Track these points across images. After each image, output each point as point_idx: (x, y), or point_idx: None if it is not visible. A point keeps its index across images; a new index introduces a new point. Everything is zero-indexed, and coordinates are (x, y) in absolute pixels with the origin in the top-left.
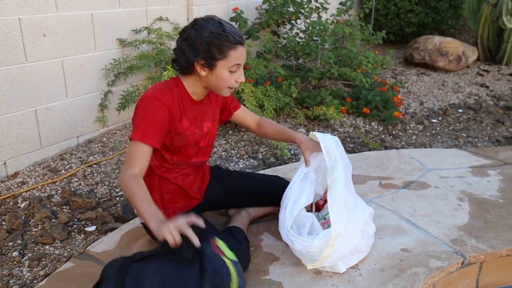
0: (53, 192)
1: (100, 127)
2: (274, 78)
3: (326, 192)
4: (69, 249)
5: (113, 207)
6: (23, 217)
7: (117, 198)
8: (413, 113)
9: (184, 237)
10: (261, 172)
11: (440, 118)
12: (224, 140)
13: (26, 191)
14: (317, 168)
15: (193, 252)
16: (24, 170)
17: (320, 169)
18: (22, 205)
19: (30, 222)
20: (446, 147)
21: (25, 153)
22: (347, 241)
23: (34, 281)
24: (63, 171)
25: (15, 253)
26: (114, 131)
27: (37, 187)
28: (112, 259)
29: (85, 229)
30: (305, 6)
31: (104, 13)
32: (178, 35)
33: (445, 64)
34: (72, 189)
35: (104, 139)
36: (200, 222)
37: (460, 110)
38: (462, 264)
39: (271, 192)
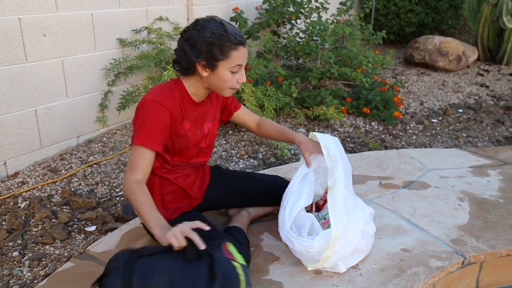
0: (53, 192)
1: (100, 127)
2: (274, 78)
3: (326, 192)
4: (69, 249)
5: (113, 207)
6: (23, 217)
7: (117, 198)
8: (413, 113)
9: (188, 240)
10: (261, 172)
11: (440, 118)
12: (224, 140)
13: (26, 191)
14: (317, 169)
15: (196, 253)
16: (24, 170)
17: (319, 170)
18: (22, 205)
19: (30, 222)
20: (446, 147)
21: (25, 153)
22: (348, 242)
23: (35, 281)
24: (63, 171)
25: (15, 253)
26: (114, 131)
27: (37, 187)
28: (118, 251)
29: (85, 229)
30: (305, 6)
31: (104, 13)
32: (179, 36)
33: (445, 64)
34: (72, 189)
35: (104, 139)
36: (205, 226)
37: (460, 110)
38: (462, 264)
39: (271, 192)
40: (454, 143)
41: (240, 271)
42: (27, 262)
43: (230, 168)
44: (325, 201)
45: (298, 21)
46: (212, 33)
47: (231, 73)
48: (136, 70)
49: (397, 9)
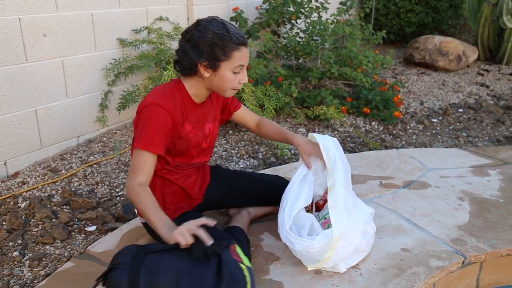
0: (53, 192)
1: (100, 127)
2: (274, 77)
3: (326, 192)
4: (69, 249)
5: (114, 207)
6: (23, 217)
7: (117, 198)
8: (413, 112)
9: (194, 237)
10: (261, 171)
11: (440, 118)
12: (225, 140)
13: (26, 191)
14: (316, 170)
15: (203, 251)
16: (25, 170)
17: (319, 170)
18: (22, 205)
19: (31, 222)
20: (446, 147)
21: (25, 153)
22: (348, 243)
23: (35, 281)
24: (63, 171)
25: (16, 253)
26: (114, 131)
27: (37, 187)
28: (125, 246)
29: (86, 229)
30: (305, 5)
31: (104, 13)
32: (181, 36)
33: (445, 64)
34: (73, 189)
35: (104, 139)
36: (210, 222)
37: (460, 110)
38: (462, 263)
39: (271, 192)
40: (454, 143)
41: (246, 273)
42: (27, 262)
43: (230, 168)
44: (325, 201)
45: (298, 21)
46: (214, 33)
47: (233, 74)
48: (136, 70)
49: (397, 9)
